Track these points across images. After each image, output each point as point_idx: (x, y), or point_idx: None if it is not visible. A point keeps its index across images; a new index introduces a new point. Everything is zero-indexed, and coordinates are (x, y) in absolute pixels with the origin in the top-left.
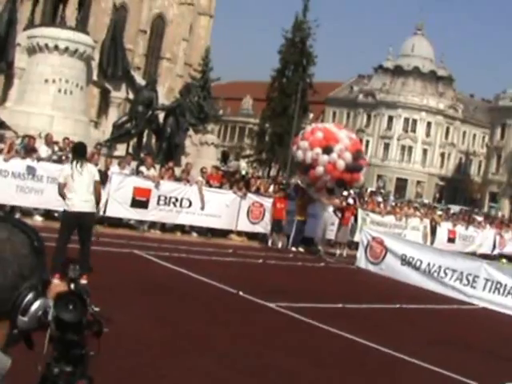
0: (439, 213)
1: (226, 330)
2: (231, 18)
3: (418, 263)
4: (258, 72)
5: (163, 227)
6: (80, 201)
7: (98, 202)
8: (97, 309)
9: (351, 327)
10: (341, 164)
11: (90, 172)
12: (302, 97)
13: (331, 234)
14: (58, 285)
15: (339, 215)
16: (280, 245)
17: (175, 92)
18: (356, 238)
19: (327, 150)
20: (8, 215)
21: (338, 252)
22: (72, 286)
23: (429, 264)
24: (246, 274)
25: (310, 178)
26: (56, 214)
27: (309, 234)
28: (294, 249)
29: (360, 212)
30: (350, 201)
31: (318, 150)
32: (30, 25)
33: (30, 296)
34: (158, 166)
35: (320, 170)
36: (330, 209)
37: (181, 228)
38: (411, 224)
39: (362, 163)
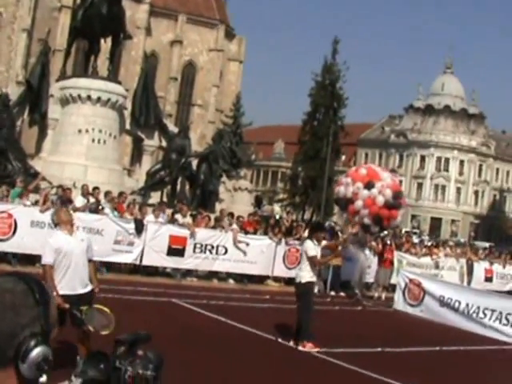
0: (481, 251)
1: (264, 376)
2: (261, 63)
3: (457, 304)
4: (289, 116)
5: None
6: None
7: None
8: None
9: (391, 371)
10: (380, 200)
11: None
12: (334, 139)
13: (368, 277)
14: None
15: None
16: (316, 289)
17: (207, 138)
18: (393, 281)
19: (368, 186)
20: (20, 272)
21: (375, 295)
22: (120, 349)
23: (467, 305)
24: (283, 321)
25: (348, 212)
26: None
27: (345, 278)
28: (331, 293)
29: (396, 254)
30: (388, 241)
31: (360, 185)
32: (63, 76)
33: (30, 343)
34: (190, 214)
35: (359, 203)
36: (366, 251)
37: (217, 275)
38: (447, 264)
39: (401, 202)
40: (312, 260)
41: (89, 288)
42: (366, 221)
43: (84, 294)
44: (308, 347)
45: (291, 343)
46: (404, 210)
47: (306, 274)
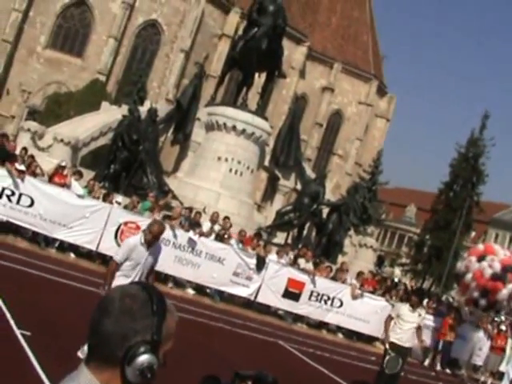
0: None
1: None
2: (406, 124)
3: None
4: (425, 181)
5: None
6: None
7: None
8: None
9: None
10: (488, 272)
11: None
12: (467, 214)
13: (478, 360)
14: None
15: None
16: (427, 362)
17: (342, 189)
18: (502, 368)
19: (480, 259)
20: (145, 283)
21: (481, 379)
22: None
23: None
24: None
25: (460, 286)
26: (208, 291)
27: (455, 355)
28: (438, 367)
29: (510, 342)
30: (503, 327)
31: (473, 258)
32: (212, 102)
33: (139, 349)
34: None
35: (469, 276)
36: (481, 333)
37: (327, 326)
38: None
39: (510, 277)
40: (386, 319)
41: None
42: (475, 294)
43: None
44: None
45: None
46: None
47: (391, 335)
